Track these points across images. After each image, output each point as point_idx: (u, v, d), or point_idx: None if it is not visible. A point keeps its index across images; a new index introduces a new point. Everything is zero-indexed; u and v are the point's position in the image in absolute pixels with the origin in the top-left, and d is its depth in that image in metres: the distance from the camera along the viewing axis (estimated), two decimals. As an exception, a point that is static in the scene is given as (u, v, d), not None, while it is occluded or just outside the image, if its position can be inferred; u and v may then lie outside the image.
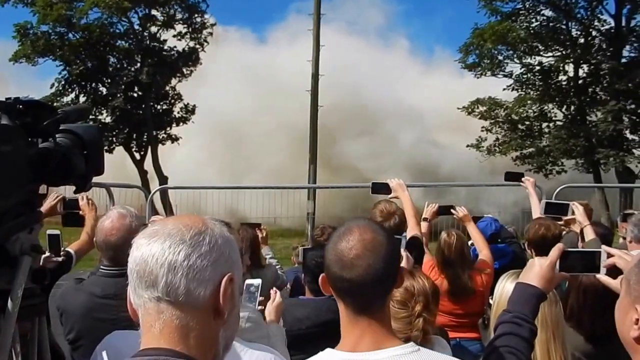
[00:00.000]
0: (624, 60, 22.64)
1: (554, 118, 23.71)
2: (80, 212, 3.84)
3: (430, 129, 28.94)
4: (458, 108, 24.42)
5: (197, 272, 1.17)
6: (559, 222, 4.24)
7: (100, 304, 2.71)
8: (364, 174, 22.06)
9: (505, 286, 2.28)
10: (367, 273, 1.58)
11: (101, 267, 2.87)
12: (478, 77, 23.91)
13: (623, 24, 22.62)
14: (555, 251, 1.97)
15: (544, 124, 23.80)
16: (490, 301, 2.49)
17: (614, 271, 2.04)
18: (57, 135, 1.87)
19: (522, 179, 5.10)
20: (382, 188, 4.36)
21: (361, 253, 1.59)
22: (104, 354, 1.84)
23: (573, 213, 4.11)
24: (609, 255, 2.05)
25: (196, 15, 25.99)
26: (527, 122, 23.86)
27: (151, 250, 1.18)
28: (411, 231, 3.89)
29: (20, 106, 1.79)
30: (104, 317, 2.66)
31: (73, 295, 2.86)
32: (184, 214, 1.45)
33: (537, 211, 4.47)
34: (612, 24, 22.68)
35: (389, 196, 4.28)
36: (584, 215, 4.01)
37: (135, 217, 2.85)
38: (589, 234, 3.77)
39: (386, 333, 1.60)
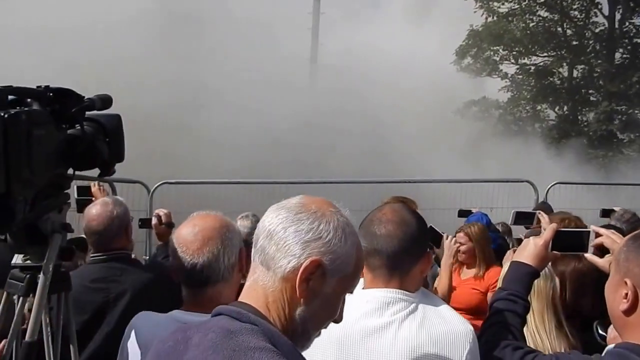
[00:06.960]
0: (616, 62, 22.83)
1: (546, 118, 23.85)
2: (93, 199, 3.97)
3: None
4: (452, 112, 24.31)
5: (286, 245, 1.27)
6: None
7: (91, 289, 2.76)
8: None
9: None
10: (398, 241, 1.78)
11: (90, 256, 2.98)
12: (474, 78, 23.89)
13: (616, 26, 22.80)
14: (549, 231, 2.10)
15: (537, 125, 23.91)
16: None
17: (600, 251, 2.20)
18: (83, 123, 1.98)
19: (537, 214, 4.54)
20: (432, 236, 3.94)
21: (392, 225, 1.79)
22: (132, 333, 1.96)
23: (539, 221, 4.19)
24: (597, 236, 2.19)
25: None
26: (520, 123, 23.94)
27: (265, 217, 1.34)
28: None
29: (51, 93, 1.90)
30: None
31: None
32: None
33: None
34: (606, 25, 22.82)
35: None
36: (548, 222, 4.15)
37: (119, 205, 2.90)
38: None
39: None
